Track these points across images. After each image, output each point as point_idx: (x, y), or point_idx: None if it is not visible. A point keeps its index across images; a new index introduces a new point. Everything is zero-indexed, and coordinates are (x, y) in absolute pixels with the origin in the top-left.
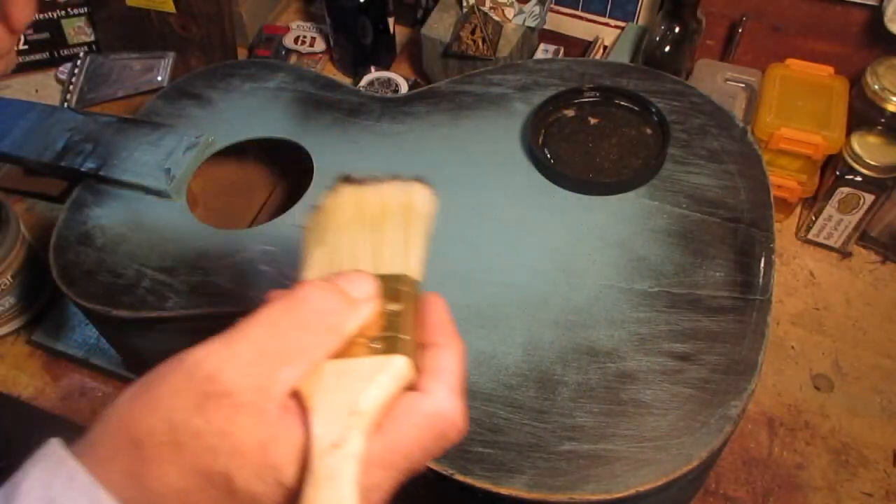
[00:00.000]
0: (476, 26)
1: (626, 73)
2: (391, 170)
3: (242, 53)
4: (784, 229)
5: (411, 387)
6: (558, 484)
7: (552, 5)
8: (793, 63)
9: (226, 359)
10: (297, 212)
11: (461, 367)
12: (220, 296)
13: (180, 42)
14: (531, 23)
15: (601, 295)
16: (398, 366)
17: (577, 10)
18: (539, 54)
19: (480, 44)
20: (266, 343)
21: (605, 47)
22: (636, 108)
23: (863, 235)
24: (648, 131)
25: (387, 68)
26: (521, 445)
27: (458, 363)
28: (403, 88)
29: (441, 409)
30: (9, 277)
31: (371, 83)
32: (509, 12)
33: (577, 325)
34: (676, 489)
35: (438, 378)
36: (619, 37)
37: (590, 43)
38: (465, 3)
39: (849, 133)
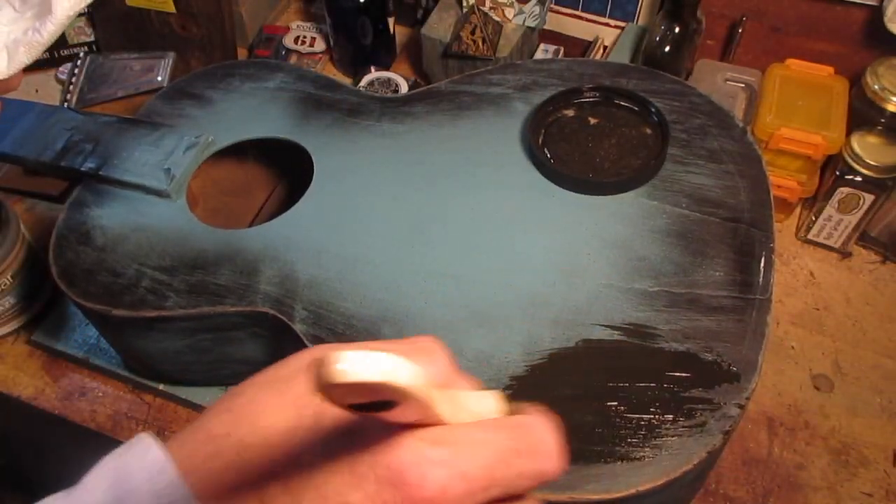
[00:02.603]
0: (476, 26)
1: (626, 73)
2: (391, 169)
3: (242, 53)
4: (784, 229)
5: None
6: (558, 484)
7: (552, 5)
8: (793, 63)
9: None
10: (296, 212)
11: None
12: (220, 295)
13: (180, 42)
14: (531, 23)
15: (601, 294)
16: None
17: (577, 10)
18: (539, 54)
19: (480, 44)
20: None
21: (605, 47)
22: (636, 108)
23: (863, 235)
24: (648, 131)
25: (387, 68)
26: None
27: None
28: (403, 88)
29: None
30: (9, 277)
31: (371, 83)
32: (509, 12)
33: (576, 325)
34: (676, 489)
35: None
36: (619, 37)
37: (590, 43)
38: (465, 3)
39: (849, 133)
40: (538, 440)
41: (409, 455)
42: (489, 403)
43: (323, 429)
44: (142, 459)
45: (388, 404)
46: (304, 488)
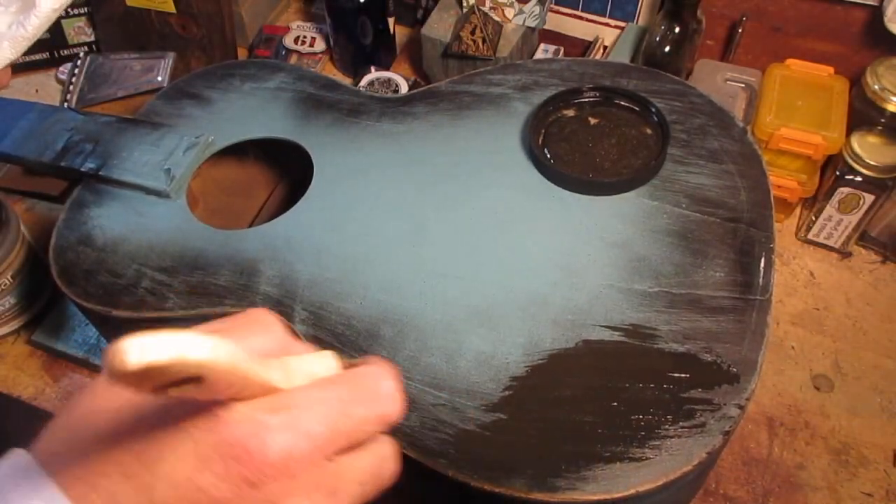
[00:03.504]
0: (476, 26)
1: (626, 73)
2: (391, 170)
3: (242, 53)
4: (784, 229)
5: None
6: (558, 484)
7: (552, 5)
8: (793, 63)
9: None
10: (297, 212)
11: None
12: (220, 296)
13: (180, 42)
14: (531, 23)
15: (601, 295)
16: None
17: (577, 10)
18: (539, 54)
19: (480, 44)
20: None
21: (605, 47)
22: (636, 108)
23: (863, 235)
24: (648, 131)
25: (387, 68)
26: (522, 445)
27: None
28: (403, 88)
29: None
30: (9, 277)
31: (371, 83)
32: (509, 12)
33: (576, 325)
34: (676, 489)
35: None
36: (619, 37)
37: (590, 43)
38: (465, 3)
39: (849, 133)
40: (374, 386)
41: (246, 427)
42: (326, 363)
43: (167, 407)
44: (13, 468)
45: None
46: (153, 482)
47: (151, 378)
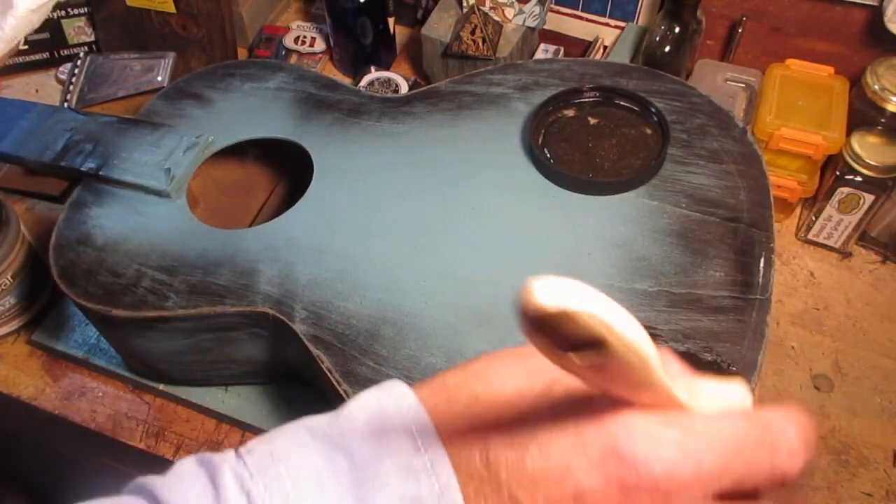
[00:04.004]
0: (476, 26)
1: (626, 73)
2: (391, 170)
3: (242, 53)
4: (784, 229)
5: None
6: None
7: (552, 5)
8: (793, 63)
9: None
10: (297, 212)
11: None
12: (220, 296)
13: (180, 42)
14: (531, 23)
15: None
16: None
17: (577, 10)
18: (539, 54)
19: (480, 44)
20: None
21: (605, 47)
22: (636, 108)
23: (863, 235)
24: (648, 131)
25: (387, 68)
26: None
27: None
28: (403, 88)
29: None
30: (9, 277)
31: (371, 83)
32: (509, 12)
33: None
34: None
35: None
36: (619, 37)
37: (590, 43)
38: (465, 3)
39: (849, 133)
40: (780, 435)
41: (639, 430)
42: (738, 395)
43: (553, 397)
44: (398, 400)
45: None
46: (527, 445)
47: (558, 327)
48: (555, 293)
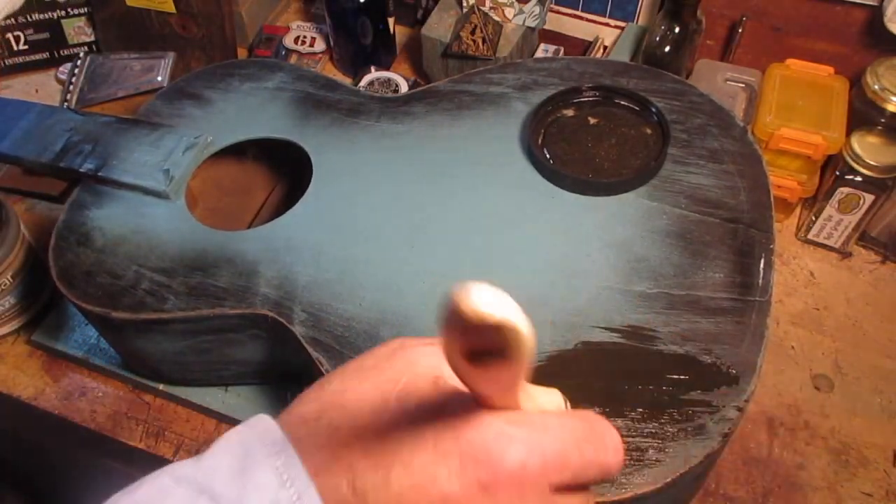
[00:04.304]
0: (476, 26)
1: (626, 72)
2: (390, 170)
3: (242, 53)
4: (784, 229)
5: None
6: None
7: (552, 5)
8: (793, 63)
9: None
10: (296, 213)
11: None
12: (219, 297)
13: (180, 42)
14: (531, 23)
15: (600, 296)
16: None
17: (577, 10)
18: (539, 54)
19: (480, 44)
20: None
21: (605, 47)
22: (636, 108)
23: (863, 235)
24: (648, 131)
25: (387, 68)
26: None
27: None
28: (403, 88)
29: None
30: (9, 277)
31: (371, 83)
32: (509, 12)
33: (575, 327)
34: (675, 491)
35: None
36: (619, 37)
37: (590, 43)
38: (465, 3)
39: (849, 133)
40: (605, 434)
41: (490, 432)
42: (555, 399)
43: (407, 409)
44: (263, 436)
45: (494, 357)
46: (391, 463)
47: (478, 333)
48: (494, 303)
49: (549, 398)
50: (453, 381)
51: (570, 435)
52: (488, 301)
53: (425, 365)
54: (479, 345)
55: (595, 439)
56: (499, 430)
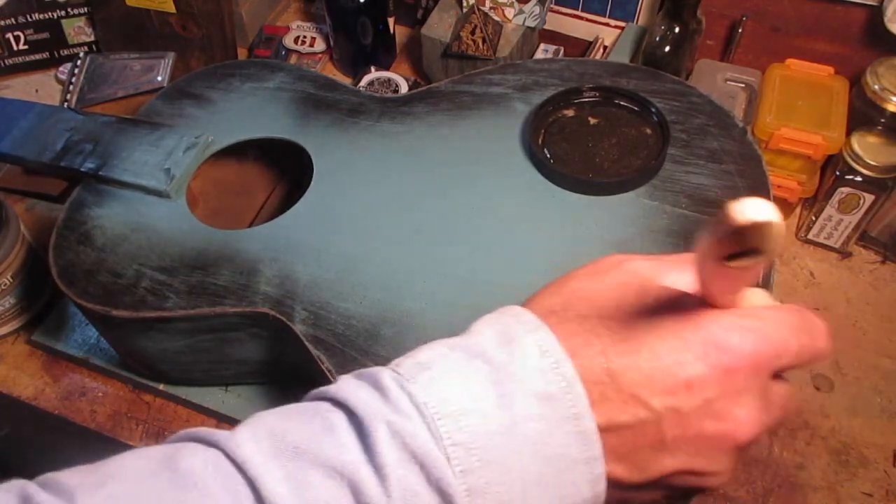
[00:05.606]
0: (476, 26)
1: (626, 72)
2: (391, 170)
3: (242, 53)
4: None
5: None
6: None
7: (552, 5)
8: (793, 63)
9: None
10: (296, 212)
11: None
12: (220, 296)
13: (180, 42)
14: (531, 23)
15: None
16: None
17: (577, 10)
18: (539, 54)
19: (480, 44)
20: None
21: (605, 47)
22: (636, 108)
23: (863, 235)
24: (648, 131)
25: (387, 68)
26: None
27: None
28: (403, 88)
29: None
30: (9, 277)
31: (371, 83)
32: (509, 12)
33: None
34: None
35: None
36: (619, 37)
37: (590, 43)
38: (465, 3)
39: (849, 133)
40: (814, 323)
41: (725, 322)
42: (765, 297)
43: (646, 304)
44: (518, 317)
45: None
46: (639, 348)
47: (744, 236)
48: (762, 207)
49: (761, 297)
50: (675, 287)
51: (788, 325)
52: (757, 207)
53: (648, 273)
54: (740, 246)
55: (808, 328)
56: (732, 322)
